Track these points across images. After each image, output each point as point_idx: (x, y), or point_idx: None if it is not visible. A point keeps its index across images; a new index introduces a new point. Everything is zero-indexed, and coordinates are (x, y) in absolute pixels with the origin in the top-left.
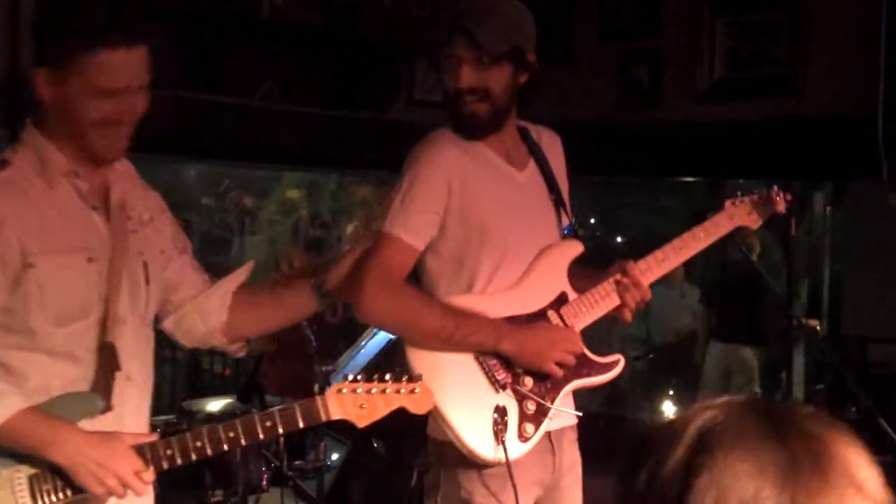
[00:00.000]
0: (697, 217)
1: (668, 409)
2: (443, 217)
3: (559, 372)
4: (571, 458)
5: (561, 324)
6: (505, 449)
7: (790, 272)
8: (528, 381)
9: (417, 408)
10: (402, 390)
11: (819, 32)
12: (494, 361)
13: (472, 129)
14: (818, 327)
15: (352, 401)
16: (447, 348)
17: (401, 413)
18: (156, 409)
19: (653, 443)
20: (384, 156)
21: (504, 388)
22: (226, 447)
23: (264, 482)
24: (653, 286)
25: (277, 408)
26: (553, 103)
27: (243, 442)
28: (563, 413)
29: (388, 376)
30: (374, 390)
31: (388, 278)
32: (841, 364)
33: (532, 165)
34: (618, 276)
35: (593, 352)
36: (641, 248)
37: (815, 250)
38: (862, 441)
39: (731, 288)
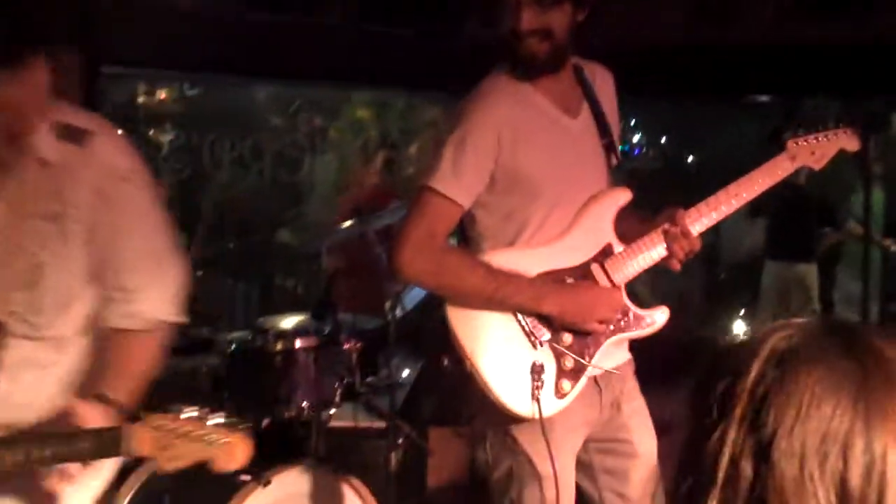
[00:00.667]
0: (772, 137)
1: (739, 328)
2: (493, 170)
3: (601, 329)
4: (623, 391)
5: (605, 277)
6: (539, 407)
7: (867, 192)
8: (568, 339)
9: (226, 463)
10: (214, 441)
11: None
12: (534, 319)
13: (532, 70)
14: (893, 247)
15: (154, 439)
16: (488, 307)
17: None
18: (230, 326)
19: (728, 360)
20: (453, 77)
21: (542, 344)
22: None
23: (337, 397)
24: None
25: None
26: (626, 22)
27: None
28: (609, 359)
29: (212, 421)
30: (182, 433)
31: (430, 238)
32: None
33: (585, 110)
34: (666, 226)
35: (641, 299)
36: (714, 168)
37: (891, 170)
38: None
39: (786, 205)
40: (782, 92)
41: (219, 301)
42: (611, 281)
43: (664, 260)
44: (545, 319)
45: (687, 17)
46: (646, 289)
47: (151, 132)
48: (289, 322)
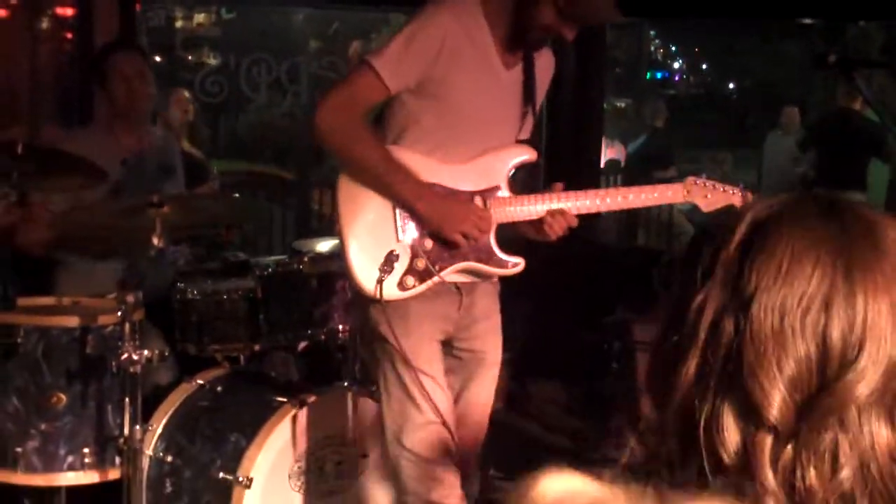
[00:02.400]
0: (818, 61)
1: None
2: (424, 73)
3: (461, 242)
4: (485, 308)
5: (485, 210)
6: (380, 289)
7: None
8: (428, 244)
9: None
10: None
11: None
12: (407, 216)
13: (522, 50)
14: None
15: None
16: (373, 186)
17: None
18: (267, 250)
19: (712, 231)
20: None
21: (405, 240)
22: None
23: None
24: (769, 136)
25: None
26: None
27: None
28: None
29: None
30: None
31: (349, 103)
32: None
33: (518, 71)
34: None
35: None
36: (755, 96)
37: None
38: None
39: (840, 134)
40: (826, 16)
41: (256, 225)
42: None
43: (540, 230)
44: (416, 220)
45: None
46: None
47: (190, 57)
48: (325, 245)
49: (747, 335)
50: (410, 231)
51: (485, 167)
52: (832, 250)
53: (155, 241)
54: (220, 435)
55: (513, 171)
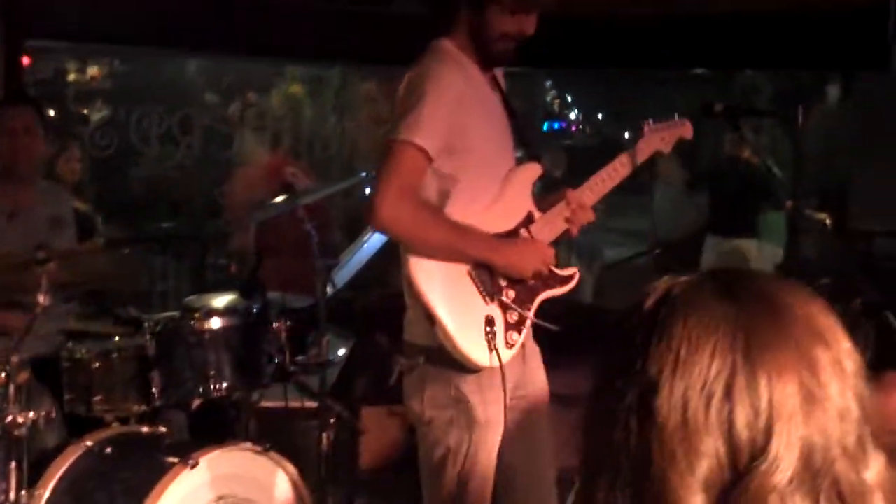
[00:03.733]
0: (705, 110)
1: None
2: (448, 132)
3: (535, 280)
4: (531, 348)
5: (543, 242)
6: (499, 354)
7: (798, 165)
8: (511, 294)
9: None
10: None
11: None
12: (484, 275)
13: (497, 64)
14: (826, 220)
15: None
16: (449, 258)
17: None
18: (162, 306)
19: (623, 315)
20: (387, 49)
21: (492, 299)
22: None
23: (267, 377)
24: (655, 183)
25: None
26: None
27: None
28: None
29: None
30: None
31: (408, 189)
32: (845, 257)
33: (498, 91)
34: (567, 199)
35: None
36: None
37: (823, 142)
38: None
39: (728, 181)
40: (716, 66)
41: (149, 280)
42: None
43: (565, 231)
44: (492, 276)
45: None
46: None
47: (83, 110)
48: (218, 301)
49: (653, 437)
50: (491, 290)
51: (512, 199)
52: (730, 332)
53: (41, 298)
54: (110, 498)
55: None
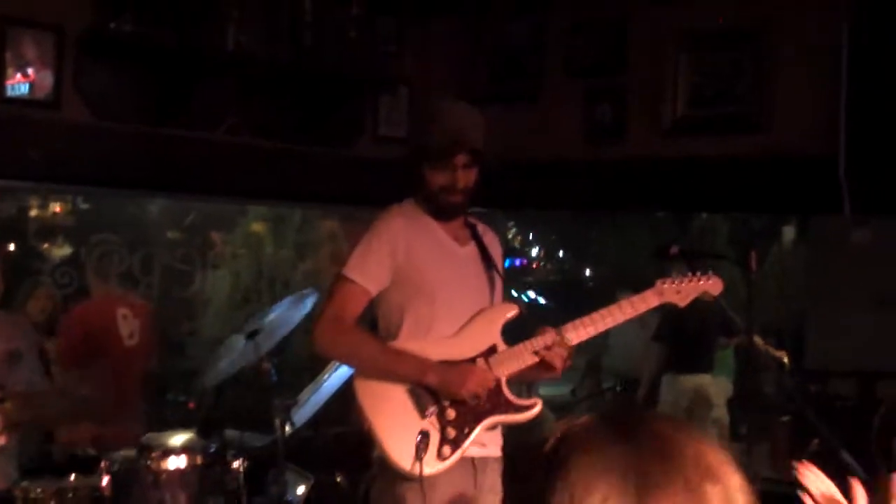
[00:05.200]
0: (660, 252)
1: None
2: (392, 272)
3: (472, 401)
4: (492, 482)
5: (487, 368)
6: (420, 466)
7: (750, 305)
8: (452, 413)
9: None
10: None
11: (782, 71)
12: (425, 395)
13: (449, 215)
14: (785, 359)
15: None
16: (383, 378)
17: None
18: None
19: (529, 455)
20: (349, 190)
21: (430, 416)
22: None
23: None
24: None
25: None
26: (520, 140)
27: None
28: (488, 445)
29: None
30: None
31: (340, 315)
32: (803, 397)
33: (472, 246)
34: (545, 338)
35: (523, 393)
36: (610, 281)
37: (779, 282)
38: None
39: (686, 322)
40: (672, 208)
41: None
42: (491, 372)
43: (548, 368)
44: (433, 395)
45: (581, 134)
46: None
47: (44, 246)
48: (176, 439)
49: None
50: (432, 407)
51: (477, 332)
52: (622, 474)
53: None
54: None
55: (502, 328)
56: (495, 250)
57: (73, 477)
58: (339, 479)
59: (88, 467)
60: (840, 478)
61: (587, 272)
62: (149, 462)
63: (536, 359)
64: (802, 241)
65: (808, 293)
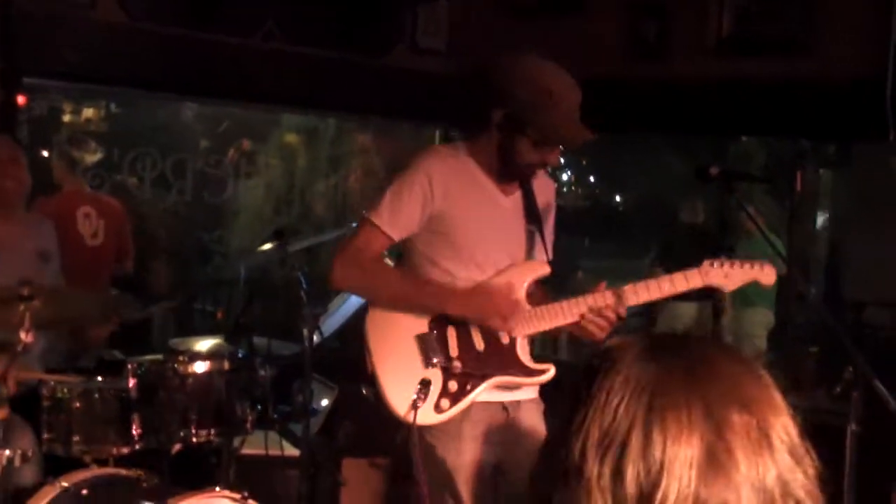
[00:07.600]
0: (700, 173)
1: None
2: (421, 221)
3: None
4: (529, 425)
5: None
6: (415, 414)
7: (791, 235)
8: (458, 366)
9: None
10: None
11: None
12: (434, 344)
13: (514, 182)
14: (812, 289)
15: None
16: (402, 309)
17: None
18: (146, 349)
19: (576, 369)
20: (384, 102)
21: (434, 365)
22: None
23: (249, 424)
24: None
25: None
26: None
27: None
28: (515, 391)
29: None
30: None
31: (357, 255)
32: (837, 326)
33: (518, 197)
34: (595, 298)
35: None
36: (641, 207)
37: (816, 212)
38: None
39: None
40: (708, 131)
41: (135, 323)
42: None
43: (585, 331)
44: (444, 346)
45: (618, 52)
46: None
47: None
48: (203, 345)
49: (564, 483)
50: (438, 357)
51: (501, 287)
52: (638, 391)
53: (23, 335)
54: None
55: (530, 285)
56: (545, 198)
57: (99, 378)
58: (364, 391)
59: (116, 370)
60: (874, 407)
61: (618, 198)
62: (175, 365)
63: (572, 320)
64: (840, 168)
65: (846, 223)
